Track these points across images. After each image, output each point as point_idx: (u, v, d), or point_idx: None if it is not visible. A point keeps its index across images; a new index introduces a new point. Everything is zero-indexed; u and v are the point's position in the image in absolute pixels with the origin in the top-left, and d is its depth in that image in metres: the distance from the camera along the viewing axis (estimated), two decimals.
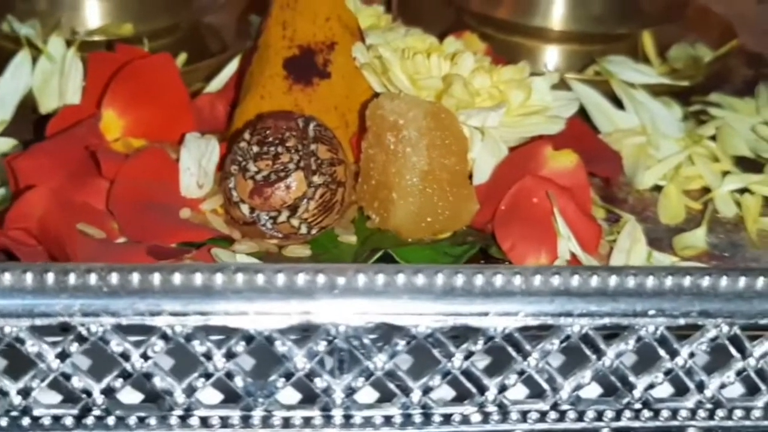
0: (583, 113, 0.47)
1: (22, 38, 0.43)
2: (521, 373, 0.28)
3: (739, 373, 0.29)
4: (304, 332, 0.27)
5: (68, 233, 0.32)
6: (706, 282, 0.28)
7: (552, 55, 0.52)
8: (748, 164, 0.45)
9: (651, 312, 0.28)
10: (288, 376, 0.27)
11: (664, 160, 0.44)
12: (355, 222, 0.39)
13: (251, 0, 0.51)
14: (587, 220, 0.38)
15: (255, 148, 0.37)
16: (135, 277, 0.26)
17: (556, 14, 0.52)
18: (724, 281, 0.28)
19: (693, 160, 0.44)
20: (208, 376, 0.27)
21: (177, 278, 0.26)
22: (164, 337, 0.26)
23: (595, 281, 0.28)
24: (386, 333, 0.28)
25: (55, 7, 0.46)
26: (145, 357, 0.26)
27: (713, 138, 0.46)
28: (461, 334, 0.28)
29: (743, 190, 0.43)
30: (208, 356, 0.27)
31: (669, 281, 0.28)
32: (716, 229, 0.41)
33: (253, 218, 0.36)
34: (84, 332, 0.26)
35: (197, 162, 0.39)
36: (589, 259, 0.37)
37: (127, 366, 0.26)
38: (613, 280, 0.28)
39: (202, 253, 0.35)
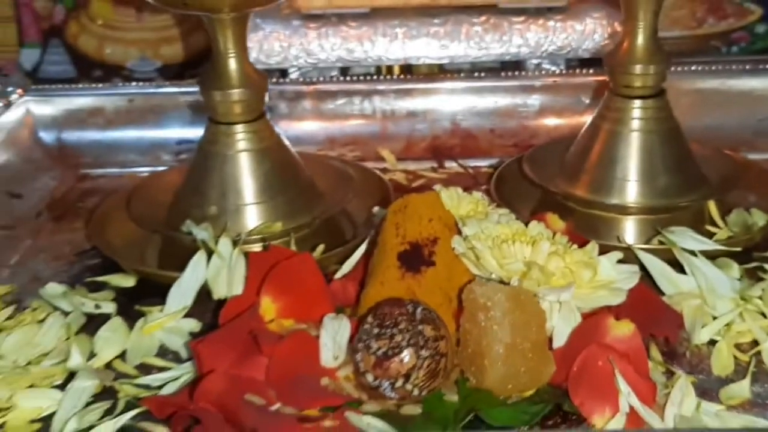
0: (650, 279, 0.56)
1: (198, 241, 0.56)
2: None
3: None
4: None
5: (238, 405, 0.44)
6: None
7: (627, 226, 0.61)
8: None
9: None
10: None
11: (718, 318, 0.53)
12: (458, 381, 0.49)
13: (375, 195, 0.63)
14: (643, 378, 0.47)
15: (375, 330, 0.48)
16: None
17: (628, 191, 0.61)
18: None
19: (744, 317, 0.53)
20: None
21: None
22: None
23: None
24: None
25: (222, 213, 0.59)
26: None
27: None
28: None
29: None
30: None
31: None
32: (762, 379, 0.49)
33: (376, 385, 0.47)
34: None
35: (333, 338, 0.50)
36: (646, 412, 0.46)
37: None
38: None
39: (339, 414, 0.46)
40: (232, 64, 0.59)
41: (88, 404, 0.48)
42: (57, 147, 0.78)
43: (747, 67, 0.77)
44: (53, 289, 0.57)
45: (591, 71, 0.78)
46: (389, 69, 0.86)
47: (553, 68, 0.80)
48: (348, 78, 0.80)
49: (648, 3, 0.60)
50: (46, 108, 0.78)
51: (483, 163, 0.76)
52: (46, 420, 0.48)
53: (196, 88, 0.77)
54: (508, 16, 0.79)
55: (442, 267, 0.52)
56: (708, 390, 0.49)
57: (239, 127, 0.60)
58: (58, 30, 0.97)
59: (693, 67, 0.77)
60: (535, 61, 0.80)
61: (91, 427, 0.47)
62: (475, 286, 0.49)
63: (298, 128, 0.77)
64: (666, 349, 0.52)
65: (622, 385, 0.46)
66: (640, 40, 0.61)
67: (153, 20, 0.97)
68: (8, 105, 0.74)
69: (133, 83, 0.80)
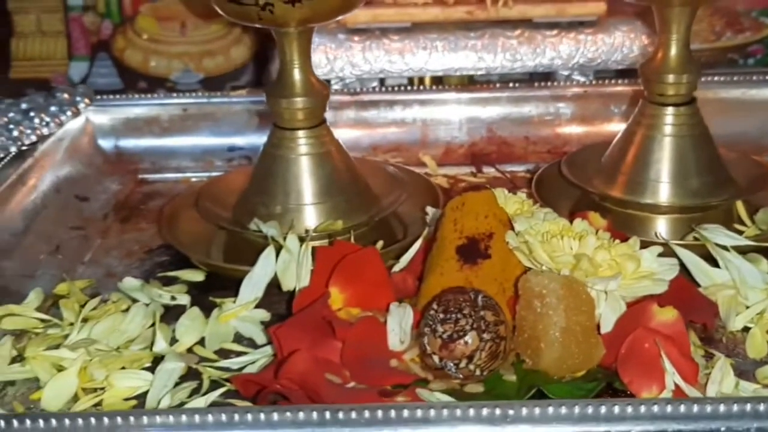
0: (686, 271, 0.60)
1: (268, 237, 0.61)
2: None
3: None
4: None
5: (320, 382, 0.48)
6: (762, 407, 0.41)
7: (660, 224, 0.66)
8: None
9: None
10: None
11: (751, 307, 0.57)
12: (514, 364, 0.53)
13: (424, 197, 0.67)
14: (686, 359, 0.51)
15: (441, 315, 0.52)
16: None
17: (661, 192, 0.66)
18: None
19: None
20: None
21: (405, 412, 0.41)
22: None
23: (683, 408, 0.42)
24: None
25: (286, 211, 0.64)
26: None
27: None
28: None
29: None
30: None
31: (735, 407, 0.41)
32: None
33: (441, 365, 0.51)
34: None
35: (399, 324, 0.54)
36: (690, 389, 0.50)
37: None
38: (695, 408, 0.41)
39: (410, 392, 0.50)
40: (297, 74, 0.64)
41: (176, 384, 0.52)
42: (115, 154, 0.82)
43: (767, 77, 0.82)
44: (130, 282, 0.62)
45: (619, 81, 0.83)
46: (421, 80, 0.91)
47: (583, 79, 0.85)
48: (388, 88, 0.85)
49: (681, 17, 0.65)
50: (104, 117, 0.83)
51: (519, 168, 0.80)
52: (139, 398, 0.52)
53: (246, 98, 0.83)
54: (541, 30, 0.84)
55: (497, 259, 0.56)
56: (744, 371, 0.53)
57: (302, 133, 0.65)
58: (105, 44, 1.03)
59: (716, 78, 0.82)
60: (565, 73, 0.85)
61: (182, 403, 0.51)
62: (530, 275, 0.53)
63: (343, 135, 0.81)
64: (704, 335, 0.56)
65: (668, 365, 0.50)
66: (674, 51, 0.66)
67: (196, 35, 1.02)
68: (77, 114, 0.79)
69: (187, 93, 0.85)
